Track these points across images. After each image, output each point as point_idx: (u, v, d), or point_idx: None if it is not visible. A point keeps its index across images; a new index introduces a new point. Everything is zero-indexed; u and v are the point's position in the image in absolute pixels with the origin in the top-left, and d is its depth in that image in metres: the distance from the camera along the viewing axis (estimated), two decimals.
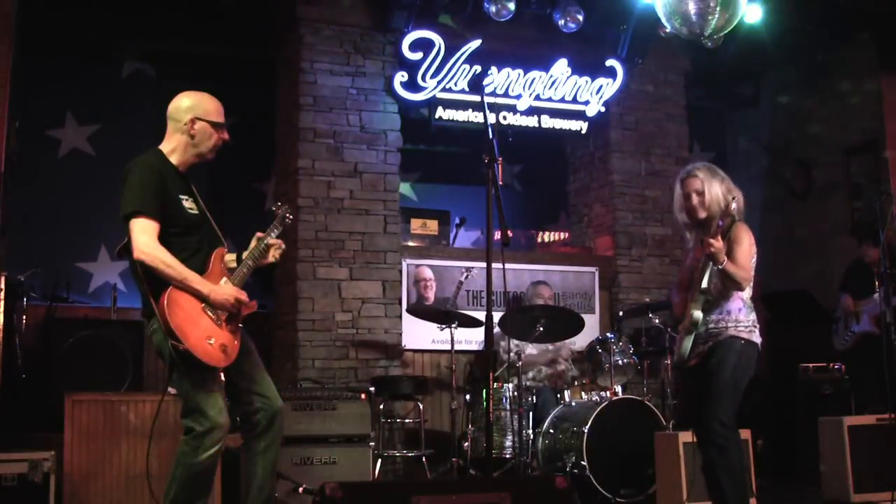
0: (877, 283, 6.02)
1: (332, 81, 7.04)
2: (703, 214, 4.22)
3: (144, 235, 3.61)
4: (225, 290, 3.73)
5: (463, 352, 6.99)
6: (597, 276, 7.75)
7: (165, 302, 3.55)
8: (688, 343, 4.16)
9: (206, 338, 3.61)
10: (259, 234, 3.98)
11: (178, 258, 3.65)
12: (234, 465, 4.77)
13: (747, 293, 4.18)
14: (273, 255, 3.98)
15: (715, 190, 4.21)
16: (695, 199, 4.23)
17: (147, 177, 3.70)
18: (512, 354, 6.11)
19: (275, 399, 3.89)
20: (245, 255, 3.94)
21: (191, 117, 3.84)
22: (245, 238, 4.04)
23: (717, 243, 4.00)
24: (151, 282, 3.62)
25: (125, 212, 3.66)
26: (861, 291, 6.89)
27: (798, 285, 8.22)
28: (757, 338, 4.17)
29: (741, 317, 4.14)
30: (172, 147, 3.87)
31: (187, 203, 3.82)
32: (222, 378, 3.76)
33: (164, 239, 3.66)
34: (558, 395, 6.24)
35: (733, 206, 4.12)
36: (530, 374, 6.53)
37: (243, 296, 3.78)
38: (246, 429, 3.87)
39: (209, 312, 3.67)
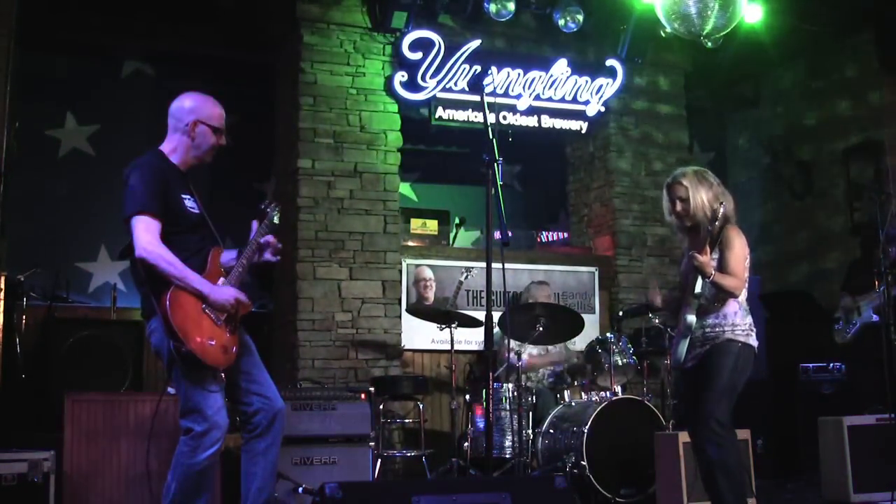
0: (876, 283, 6.02)
1: (332, 81, 7.04)
2: (688, 223, 4.23)
3: (147, 234, 3.62)
4: (224, 290, 3.73)
5: (463, 352, 6.98)
6: (597, 276, 7.75)
7: (168, 302, 3.55)
8: (683, 347, 4.17)
9: (208, 338, 3.62)
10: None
11: (179, 257, 3.66)
12: (235, 466, 4.75)
13: (742, 296, 4.18)
14: (270, 254, 3.96)
15: (700, 197, 4.19)
16: (679, 205, 4.23)
17: (149, 176, 3.71)
18: (512, 355, 6.11)
19: (275, 399, 3.89)
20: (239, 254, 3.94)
21: (193, 119, 3.85)
22: (243, 238, 4.03)
23: (702, 257, 4.01)
24: (153, 282, 3.62)
25: (127, 212, 3.67)
26: (862, 289, 6.87)
27: (798, 285, 8.23)
28: (754, 341, 4.17)
29: (737, 320, 4.14)
30: (173, 147, 3.88)
31: (189, 203, 3.83)
32: (223, 377, 3.76)
33: (166, 238, 3.67)
34: (558, 395, 6.24)
35: (721, 210, 4.11)
36: (531, 375, 6.53)
37: (242, 296, 3.78)
38: (246, 429, 3.87)
39: (209, 313, 3.67)
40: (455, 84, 7.25)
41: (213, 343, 3.63)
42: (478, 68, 7.26)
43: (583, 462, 5.56)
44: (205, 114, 3.88)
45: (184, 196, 3.82)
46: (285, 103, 7.28)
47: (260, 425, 3.84)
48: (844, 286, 7.14)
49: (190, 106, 3.88)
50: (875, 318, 6.56)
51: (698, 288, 4.11)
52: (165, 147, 3.90)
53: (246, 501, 3.85)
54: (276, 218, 4.02)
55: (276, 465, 3.92)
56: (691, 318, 4.13)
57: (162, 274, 3.60)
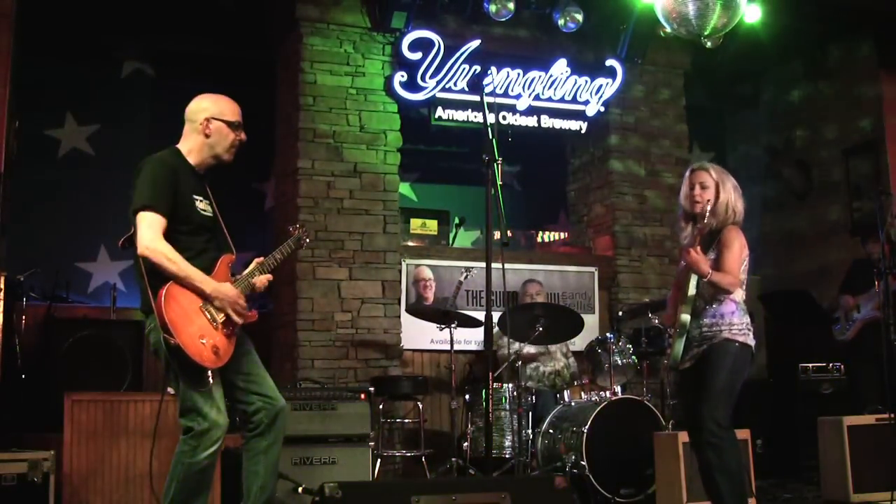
0: (877, 283, 6.02)
1: (332, 81, 7.04)
2: (698, 209, 4.22)
3: (150, 230, 3.61)
4: (228, 290, 3.72)
5: (462, 352, 6.99)
6: (596, 276, 7.75)
7: (163, 296, 3.54)
8: (679, 346, 4.17)
9: (199, 336, 3.60)
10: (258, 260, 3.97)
11: (183, 256, 3.65)
12: (234, 465, 4.76)
13: (740, 296, 4.18)
14: (259, 284, 3.93)
15: (728, 194, 4.21)
16: (697, 190, 4.23)
17: (159, 172, 3.70)
18: (512, 354, 6.11)
19: (277, 398, 3.88)
20: (251, 266, 3.93)
21: (205, 117, 3.86)
22: (243, 237, 4.04)
23: (694, 255, 4.01)
24: (153, 277, 3.62)
25: (134, 206, 3.66)
26: (862, 290, 6.89)
27: (798, 285, 8.23)
28: (751, 340, 4.17)
29: (735, 320, 4.13)
30: (189, 147, 3.88)
31: (200, 204, 3.82)
32: (219, 377, 3.74)
33: (171, 236, 3.66)
34: (558, 395, 6.24)
35: (708, 210, 4.12)
36: (528, 373, 6.52)
37: (243, 301, 3.75)
38: (247, 428, 3.86)
39: (206, 313, 3.66)
40: (455, 84, 7.25)
41: (204, 341, 3.61)
42: (477, 68, 7.26)
43: (583, 462, 5.57)
44: (217, 110, 3.88)
45: (196, 197, 3.80)
46: (285, 103, 7.28)
47: (261, 424, 3.83)
48: (844, 287, 7.15)
49: (202, 105, 3.90)
50: (876, 314, 6.58)
51: (692, 289, 4.11)
52: (182, 147, 3.89)
53: (248, 500, 3.85)
54: (301, 241, 4.10)
55: (278, 464, 3.92)
56: (685, 318, 4.14)
57: (163, 271, 3.60)
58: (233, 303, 3.71)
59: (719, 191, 4.21)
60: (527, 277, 7.11)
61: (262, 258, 3.96)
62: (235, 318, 3.73)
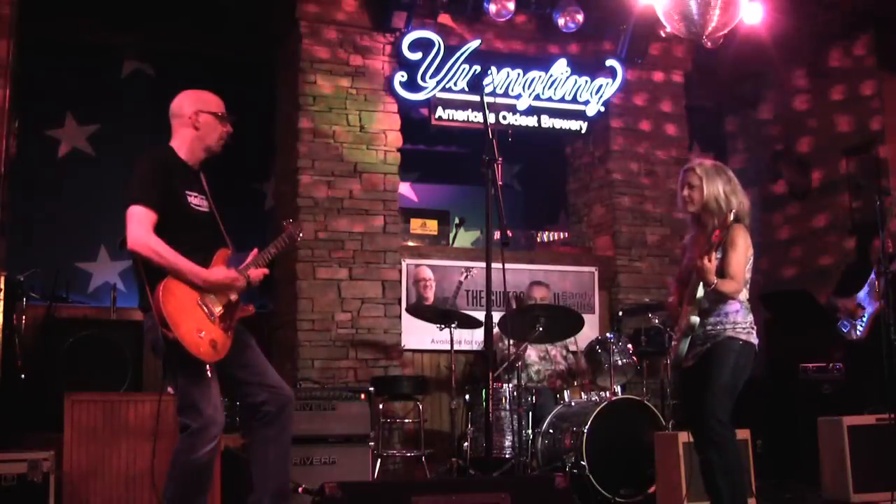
0: (878, 283, 6.01)
1: (332, 81, 7.04)
2: (691, 209, 4.22)
3: (138, 226, 3.62)
4: (219, 271, 3.74)
5: (462, 352, 6.98)
6: (596, 276, 7.75)
7: (161, 290, 3.55)
8: (684, 345, 4.17)
9: (197, 330, 3.61)
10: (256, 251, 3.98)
11: (177, 252, 3.65)
12: (235, 465, 4.77)
13: (744, 295, 4.17)
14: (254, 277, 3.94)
15: (715, 187, 4.17)
16: (685, 192, 4.23)
17: (148, 167, 3.73)
18: (512, 355, 6.11)
19: (282, 387, 3.90)
20: (249, 260, 3.94)
21: (194, 110, 3.88)
22: (243, 238, 4.04)
23: (707, 264, 3.99)
24: (150, 273, 3.63)
25: (125, 202, 3.67)
26: (856, 291, 6.88)
27: (798, 285, 8.22)
28: (755, 339, 4.17)
29: (739, 318, 4.13)
30: (179, 143, 3.91)
31: (194, 200, 3.83)
32: (216, 374, 3.74)
33: (164, 233, 3.66)
34: (558, 395, 6.24)
35: (733, 211, 4.10)
36: (528, 374, 6.52)
37: (241, 281, 3.77)
38: (256, 418, 3.86)
39: (203, 307, 3.67)
40: (455, 84, 7.25)
41: (202, 335, 3.62)
42: (478, 68, 7.26)
43: (583, 462, 5.57)
44: (203, 103, 3.92)
45: (189, 193, 3.82)
46: (285, 103, 7.28)
47: (269, 413, 3.84)
48: (839, 288, 7.12)
49: (188, 100, 3.93)
50: (871, 304, 6.59)
51: (700, 293, 4.10)
52: (174, 143, 3.92)
53: (259, 489, 3.84)
54: (294, 236, 4.10)
55: (289, 453, 3.93)
56: (695, 319, 4.12)
57: (154, 265, 3.61)
58: (227, 281, 3.72)
59: (704, 187, 4.18)
60: (532, 279, 7.11)
61: (256, 250, 3.97)
62: (233, 294, 3.74)
